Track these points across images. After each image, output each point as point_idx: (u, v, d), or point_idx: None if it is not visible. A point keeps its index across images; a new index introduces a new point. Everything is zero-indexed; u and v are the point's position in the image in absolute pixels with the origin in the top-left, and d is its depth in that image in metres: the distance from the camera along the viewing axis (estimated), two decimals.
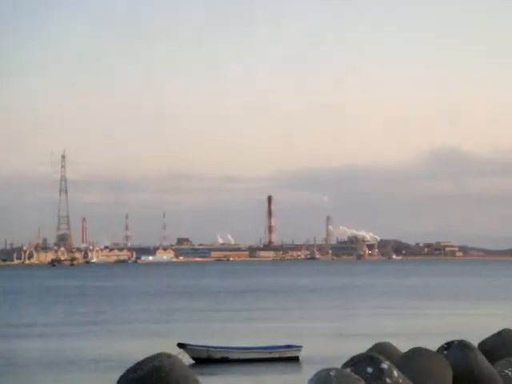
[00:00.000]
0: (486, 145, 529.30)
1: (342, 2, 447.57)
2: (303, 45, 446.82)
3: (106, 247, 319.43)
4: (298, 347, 31.40)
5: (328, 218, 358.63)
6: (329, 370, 8.31)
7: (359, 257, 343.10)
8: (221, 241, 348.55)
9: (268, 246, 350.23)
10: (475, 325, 41.94)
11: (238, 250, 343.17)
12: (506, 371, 10.31)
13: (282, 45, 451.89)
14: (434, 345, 10.92)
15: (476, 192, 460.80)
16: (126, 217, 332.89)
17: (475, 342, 10.98)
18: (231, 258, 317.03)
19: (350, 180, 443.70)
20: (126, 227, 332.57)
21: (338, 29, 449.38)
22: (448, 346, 10.42)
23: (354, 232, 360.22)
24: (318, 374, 8.28)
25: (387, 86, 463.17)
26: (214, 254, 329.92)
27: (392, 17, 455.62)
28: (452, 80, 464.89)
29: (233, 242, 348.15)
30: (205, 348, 30.77)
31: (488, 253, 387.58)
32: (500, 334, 11.09)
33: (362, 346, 12.03)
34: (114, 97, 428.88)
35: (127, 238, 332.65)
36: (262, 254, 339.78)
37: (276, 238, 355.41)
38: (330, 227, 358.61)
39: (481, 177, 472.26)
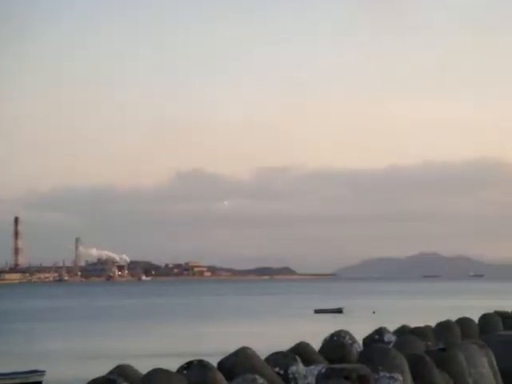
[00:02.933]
0: (235, 167, 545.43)
1: None
2: None
3: None
4: (42, 372, 30.70)
5: (77, 240, 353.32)
6: None
7: (109, 278, 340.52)
8: None
9: (14, 269, 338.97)
10: (215, 344, 42.88)
11: None
12: None
13: None
14: (174, 365, 11.03)
15: (224, 214, 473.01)
16: None
17: (214, 361, 11.21)
18: None
19: (100, 201, 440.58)
20: None
21: None
22: (188, 365, 10.59)
23: (104, 253, 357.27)
24: None
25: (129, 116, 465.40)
26: None
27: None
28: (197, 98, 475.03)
29: None
30: None
31: (235, 272, 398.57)
32: (237, 353, 11.42)
33: (103, 369, 11.95)
34: None
35: None
36: (8, 276, 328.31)
37: (23, 261, 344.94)
38: (80, 248, 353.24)
39: (227, 199, 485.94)
